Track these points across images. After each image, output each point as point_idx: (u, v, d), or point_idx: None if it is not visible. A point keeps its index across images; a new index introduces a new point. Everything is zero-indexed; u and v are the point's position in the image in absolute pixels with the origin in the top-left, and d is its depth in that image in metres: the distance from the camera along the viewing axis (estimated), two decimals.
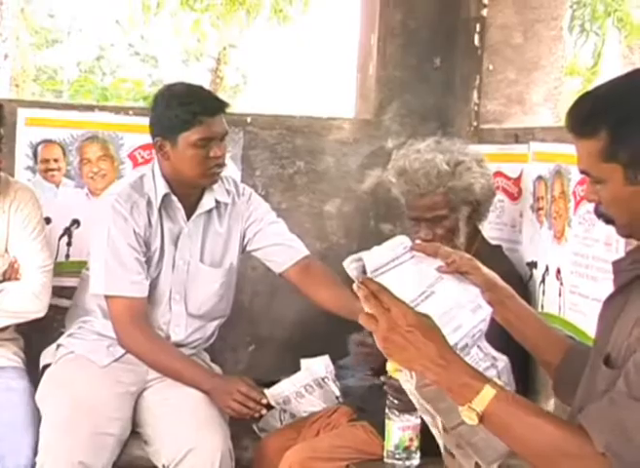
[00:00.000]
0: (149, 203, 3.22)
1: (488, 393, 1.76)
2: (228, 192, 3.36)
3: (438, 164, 3.06)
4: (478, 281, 2.11)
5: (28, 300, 3.24)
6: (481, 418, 1.77)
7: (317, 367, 3.18)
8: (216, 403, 3.10)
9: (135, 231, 3.18)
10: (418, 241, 2.15)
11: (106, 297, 3.19)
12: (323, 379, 3.18)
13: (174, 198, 3.24)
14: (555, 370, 2.14)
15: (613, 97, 1.82)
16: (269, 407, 3.07)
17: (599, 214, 1.91)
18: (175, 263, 3.28)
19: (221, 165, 3.20)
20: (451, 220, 3.08)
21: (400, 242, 2.10)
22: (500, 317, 2.12)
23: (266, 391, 3.06)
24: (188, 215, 3.28)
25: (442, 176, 3.05)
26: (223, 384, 3.11)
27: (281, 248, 3.37)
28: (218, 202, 3.32)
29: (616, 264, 1.96)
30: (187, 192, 3.26)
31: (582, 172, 1.88)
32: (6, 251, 3.28)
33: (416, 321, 1.83)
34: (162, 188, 3.22)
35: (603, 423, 1.71)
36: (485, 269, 2.12)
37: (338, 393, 3.22)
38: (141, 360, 3.20)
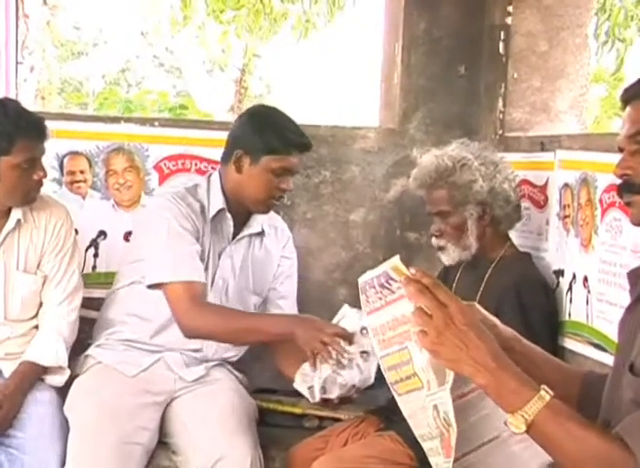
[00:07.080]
0: (203, 211, 3.25)
1: (539, 401, 1.72)
2: (271, 226, 3.43)
3: (441, 159, 3.13)
4: None
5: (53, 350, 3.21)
6: (528, 426, 1.72)
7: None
8: (300, 344, 2.97)
9: (191, 227, 3.20)
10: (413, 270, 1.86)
11: (165, 286, 3.14)
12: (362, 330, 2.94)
13: (228, 215, 3.27)
14: (577, 403, 2.05)
15: None
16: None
17: (629, 187, 1.86)
18: (214, 280, 3.30)
19: (281, 198, 3.27)
20: (456, 217, 3.13)
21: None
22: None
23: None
24: (233, 236, 3.31)
25: (441, 171, 3.13)
26: (308, 325, 2.99)
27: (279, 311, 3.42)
28: (262, 230, 3.37)
29: (631, 274, 1.95)
30: (239, 212, 3.28)
31: (632, 135, 1.85)
32: (38, 268, 3.26)
33: (471, 320, 1.78)
34: (219, 202, 3.25)
35: None
36: (484, 312, 2.00)
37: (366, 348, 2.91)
38: (213, 337, 3.17)
